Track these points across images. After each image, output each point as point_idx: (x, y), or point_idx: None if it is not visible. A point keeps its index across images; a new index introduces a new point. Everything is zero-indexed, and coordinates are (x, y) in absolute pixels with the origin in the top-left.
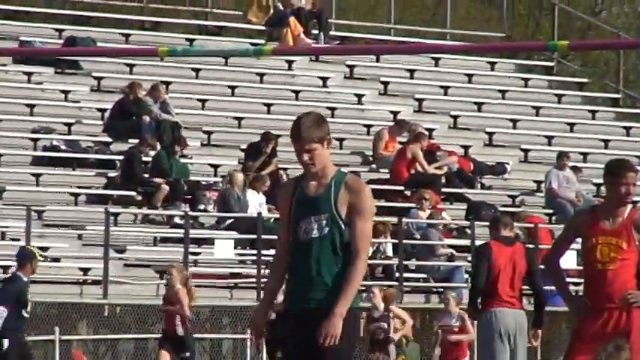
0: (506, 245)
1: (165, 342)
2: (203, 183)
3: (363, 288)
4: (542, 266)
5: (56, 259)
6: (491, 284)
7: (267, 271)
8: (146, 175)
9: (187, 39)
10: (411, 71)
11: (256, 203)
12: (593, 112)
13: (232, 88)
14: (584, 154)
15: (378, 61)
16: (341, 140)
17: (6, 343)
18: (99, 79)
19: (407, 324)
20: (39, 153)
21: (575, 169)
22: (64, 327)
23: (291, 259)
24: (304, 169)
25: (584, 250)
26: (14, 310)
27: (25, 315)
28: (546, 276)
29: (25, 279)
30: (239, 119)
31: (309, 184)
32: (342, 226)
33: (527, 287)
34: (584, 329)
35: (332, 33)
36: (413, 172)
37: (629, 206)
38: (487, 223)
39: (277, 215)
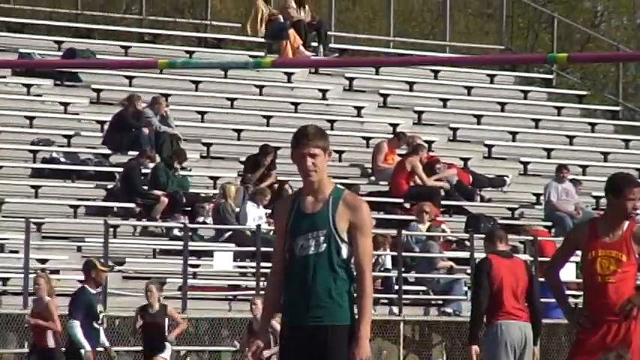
0: (504, 258)
1: (32, 356)
2: (202, 195)
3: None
4: (542, 279)
5: (55, 271)
6: (496, 297)
7: (266, 283)
8: (145, 188)
9: (187, 51)
10: (411, 84)
11: (256, 216)
12: (593, 124)
13: (232, 100)
14: (584, 167)
15: (377, 73)
16: (340, 152)
17: (83, 353)
18: (98, 91)
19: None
20: (38, 165)
21: (574, 181)
22: (63, 339)
23: (286, 274)
24: (304, 179)
25: (584, 262)
26: (85, 321)
27: (96, 326)
28: (546, 288)
29: (93, 290)
30: (238, 131)
31: (306, 199)
32: (340, 243)
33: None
34: (584, 341)
35: (331, 45)
36: (412, 184)
37: (627, 220)
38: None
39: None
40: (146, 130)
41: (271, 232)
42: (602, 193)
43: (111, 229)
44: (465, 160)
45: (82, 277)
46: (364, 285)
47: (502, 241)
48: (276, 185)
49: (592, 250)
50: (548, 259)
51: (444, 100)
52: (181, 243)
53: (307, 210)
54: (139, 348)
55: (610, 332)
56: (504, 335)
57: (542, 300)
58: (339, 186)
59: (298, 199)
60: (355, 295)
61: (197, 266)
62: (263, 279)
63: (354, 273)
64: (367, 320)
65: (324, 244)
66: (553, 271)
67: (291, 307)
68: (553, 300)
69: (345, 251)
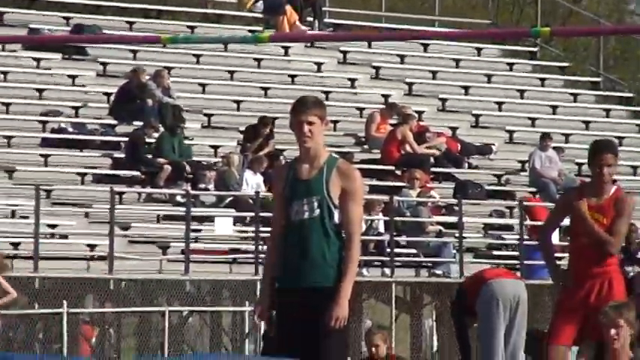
0: None
1: None
2: (203, 163)
3: None
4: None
5: (64, 236)
6: None
7: (264, 246)
8: (149, 156)
9: (189, 26)
10: (402, 57)
11: (254, 183)
12: (575, 94)
13: (231, 73)
14: (566, 135)
15: (369, 47)
16: (335, 122)
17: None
18: (104, 64)
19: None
20: (48, 135)
21: (557, 149)
22: (72, 301)
23: (284, 238)
24: (300, 147)
25: (572, 224)
26: None
27: None
28: (535, 250)
29: None
30: (238, 102)
31: (302, 166)
32: (333, 209)
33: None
34: (568, 300)
35: (326, 20)
36: (403, 152)
37: (615, 186)
38: (474, 201)
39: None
40: (150, 102)
41: (270, 198)
42: (584, 160)
43: (117, 196)
44: (454, 129)
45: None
46: (351, 249)
47: None
48: (275, 154)
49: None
50: (539, 222)
51: (434, 72)
52: (184, 209)
53: (302, 176)
54: (143, 309)
55: (592, 291)
56: (496, 294)
57: (528, 262)
58: (333, 155)
59: (294, 166)
60: (344, 260)
61: (199, 231)
62: (262, 243)
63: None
64: (349, 282)
65: (318, 209)
66: (544, 235)
67: (288, 269)
68: (539, 262)
69: (337, 216)
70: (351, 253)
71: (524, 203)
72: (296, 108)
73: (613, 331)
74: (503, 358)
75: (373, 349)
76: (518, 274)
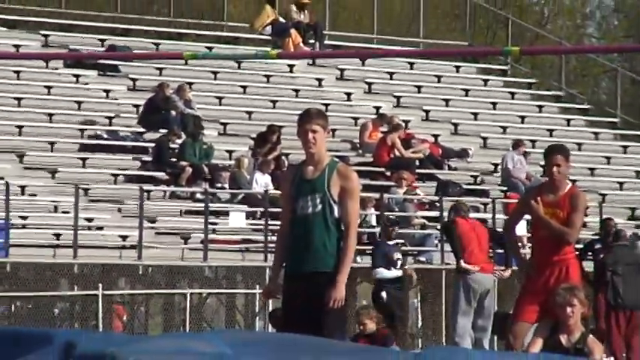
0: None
1: None
2: (220, 165)
3: None
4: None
5: (99, 228)
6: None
7: (272, 237)
8: (173, 159)
9: (207, 47)
10: (391, 73)
11: (263, 182)
12: (540, 106)
13: (244, 87)
14: (533, 142)
15: (363, 65)
16: (333, 131)
17: (384, 295)
18: (134, 80)
19: None
20: (85, 141)
21: (525, 153)
22: (106, 284)
23: (291, 230)
24: (305, 152)
25: (532, 219)
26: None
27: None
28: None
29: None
30: (249, 113)
31: (307, 168)
32: (333, 204)
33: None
34: (531, 284)
35: (326, 42)
36: (392, 156)
37: (570, 184)
38: (453, 198)
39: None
40: (173, 112)
41: (277, 196)
42: None
43: (145, 194)
44: (436, 136)
45: (122, 233)
46: (348, 240)
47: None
48: (281, 157)
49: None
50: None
51: (418, 87)
52: (203, 204)
53: (307, 177)
54: (168, 291)
55: (551, 276)
56: (469, 283)
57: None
58: (334, 159)
59: (301, 168)
60: (342, 248)
61: (216, 224)
62: (270, 234)
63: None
64: (346, 269)
65: (320, 205)
66: (508, 229)
67: (294, 256)
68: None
69: (336, 211)
70: (348, 244)
71: (504, 200)
72: (302, 118)
73: (568, 309)
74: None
75: (362, 326)
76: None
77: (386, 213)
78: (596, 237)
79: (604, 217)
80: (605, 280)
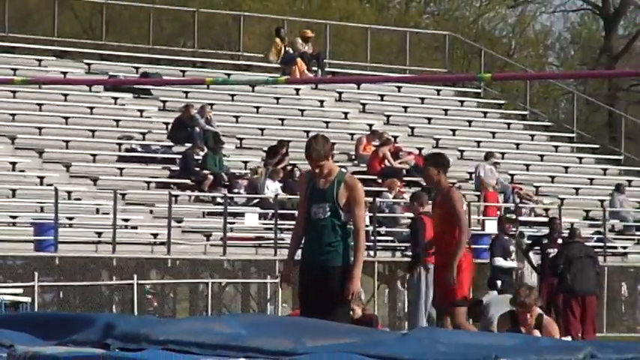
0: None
1: None
2: (236, 174)
3: None
4: None
5: (134, 227)
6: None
7: (282, 235)
8: (197, 169)
9: (226, 73)
10: (382, 96)
11: (273, 188)
12: (509, 124)
13: (257, 107)
14: (502, 154)
15: (358, 88)
16: (333, 144)
17: (499, 283)
18: (164, 101)
19: None
20: (122, 153)
21: (495, 164)
22: (140, 274)
23: (305, 232)
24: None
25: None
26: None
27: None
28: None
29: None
30: (262, 129)
31: (319, 180)
32: (340, 212)
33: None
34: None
35: (327, 69)
36: (383, 166)
37: (449, 185)
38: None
39: (289, 196)
40: (197, 129)
41: (286, 199)
42: (515, 172)
43: (173, 198)
44: (420, 149)
45: (153, 231)
46: (359, 240)
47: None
48: (288, 167)
49: (433, 210)
50: (489, 217)
51: (405, 107)
52: (222, 207)
53: (320, 186)
54: (193, 281)
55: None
56: (430, 274)
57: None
58: (342, 170)
59: (314, 178)
60: (351, 245)
61: (233, 223)
62: (280, 232)
63: (350, 231)
64: (359, 265)
65: (329, 212)
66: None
67: (307, 254)
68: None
69: (342, 217)
70: (360, 244)
71: (477, 204)
72: (307, 154)
73: (528, 315)
74: (425, 317)
75: (351, 311)
76: None
77: (378, 214)
78: (543, 234)
79: (551, 216)
80: (556, 271)
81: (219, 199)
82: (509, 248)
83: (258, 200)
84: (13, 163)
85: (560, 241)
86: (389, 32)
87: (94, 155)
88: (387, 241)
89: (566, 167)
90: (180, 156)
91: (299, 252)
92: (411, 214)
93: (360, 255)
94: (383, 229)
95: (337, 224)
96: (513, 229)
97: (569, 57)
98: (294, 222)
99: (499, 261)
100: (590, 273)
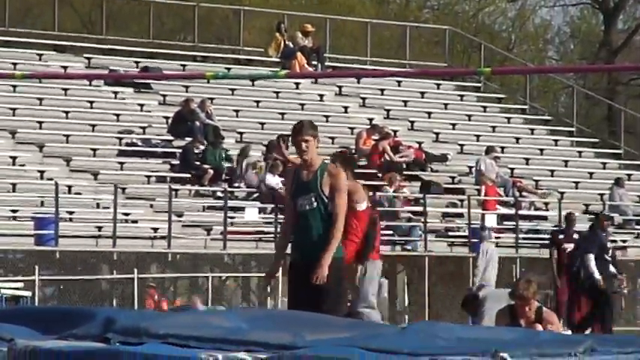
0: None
1: None
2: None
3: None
4: None
5: (135, 221)
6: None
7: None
8: (197, 163)
9: (226, 67)
10: (382, 90)
11: (273, 182)
12: (509, 118)
13: (257, 102)
14: (502, 148)
15: (358, 82)
16: (333, 138)
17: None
18: (164, 96)
19: None
20: (123, 147)
21: (495, 158)
22: (141, 268)
23: (295, 224)
24: (300, 158)
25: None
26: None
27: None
28: None
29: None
30: (262, 124)
31: (303, 172)
32: (326, 201)
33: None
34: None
35: (327, 64)
36: (383, 160)
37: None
38: (435, 196)
39: None
40: (197, 123)
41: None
42: (516, 166)
43: (173, 192)
44: (420, 143)
45: (154, 226)
46: (335, 229)
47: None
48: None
49: None
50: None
51: (405, 102)
52: (222, 201)
53: (304, 179)
54: (193, 274)
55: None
56: (377, 269)
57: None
58: (325, 160)
59: (298, 172)
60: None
61: (233, 217)
62: (279, 226)
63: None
64: (329, 253)
65: (315, 203)
66: None
67: (296, 247)
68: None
69: (329, 207)
70: (335, 232)
71: (477, 197)
72: (295, 131)
73: (527, 308)
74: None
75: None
76: (467, 249)
77: (378, 208)
78: (558, 228)
79: (567, 211)
80: (571, 268)
81: (219, 194)
82: (606, 244)
83: (258, 194)
84: (14, 158)
85: (576, 236)
86: (389, 27)
87: (94, 149)
88: (386, 234)
89: (566, 161)
90: (180, 150)
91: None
92: (411, 208)
93: (333, 241)
94: (383, 223)
95: (324, 215)
96: (609, 227)
97: (569, 51)
98: None
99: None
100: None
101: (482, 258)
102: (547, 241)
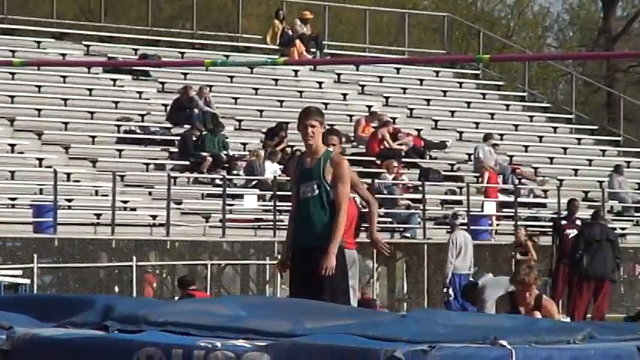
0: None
1: None
2: (235, 155)
3: None
4: None
5: (133, 209)
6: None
7: (281, 216)
8: (196, 150)
9: (224, 55)
10: (380, 77)
11: (272, 170)
12: (507, 105)
13: (256, 89)
14: (501, 135)
15: (357, 70)
16: (331, 126)
17: None
18: (163, 83)
19: None
20: (121, 135)
21: (494, 145)
22: (139, 256)
23: (298, 211)
24: (305, 144)
25: None
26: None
27: None
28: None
29: None
30: (260, 111)
31: (306, 159)
32: (328, 189)
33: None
34: None
35: (325, 51)
36: (382, 147)
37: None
38: (434, 183)
39: (288, 178)
40: (196, 111)
41: (285, 180)
42: (515, 153)
43: (172, 180)
44: (419, 130)
45: (152, 213)
46: (338, 217)
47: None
48: (288, 149)
49: None
50: (488, 198)
51: (404, 89)
52: (221, 189)
53: (307, 166)
54: (192, 262)
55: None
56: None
57: (473, 227)
58: (329, 149)
59: (301, 159)
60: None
61: (232, 205)
62: (278, 213)
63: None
64: (336, 242)
65: (317, 190)
66: None
67: (298, 234)
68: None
69: (331, 194)
70: (338, 220)
71: (476, 185)
72: (302, 115)
73: (527, 294)
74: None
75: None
76: (468, 235)
77: (376, 195)
78: (560, 215)
79: (570, 198)
80: (574, 254)
81: (217, 181)
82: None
83: (256, 182)
84: (12, 145)
85: (578, 222)
86: (388, 14)
87: (92, 137)
88: (385, 222)
89: (565, 148)
90: (178, 138)
91: None
92: (410, 195)
93: (337, 231)
94: (382, 211)
95: (326, 202)
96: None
97: (568, 38)
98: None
99: None
100: (607, 257)
101: (452, 248)
102: (547, 229)
